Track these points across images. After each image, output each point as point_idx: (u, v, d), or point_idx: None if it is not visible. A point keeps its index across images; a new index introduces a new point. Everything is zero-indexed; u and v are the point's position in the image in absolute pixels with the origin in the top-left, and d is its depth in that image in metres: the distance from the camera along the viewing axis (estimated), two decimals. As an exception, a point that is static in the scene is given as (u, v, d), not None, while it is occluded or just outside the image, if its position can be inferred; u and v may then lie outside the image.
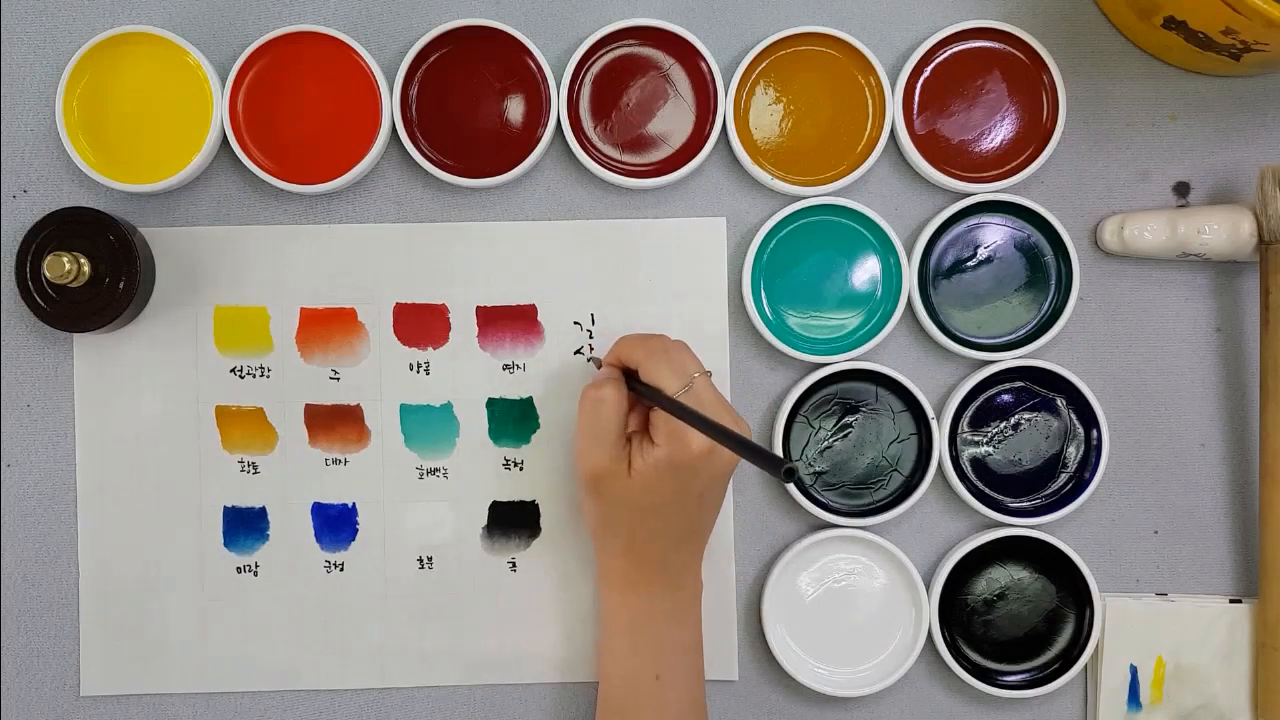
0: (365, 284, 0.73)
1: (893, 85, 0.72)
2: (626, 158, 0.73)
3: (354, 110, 0.71)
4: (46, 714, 0.73)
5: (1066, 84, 0.73)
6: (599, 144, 0.72)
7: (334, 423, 0.73)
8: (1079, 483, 0.73)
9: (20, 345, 0.73)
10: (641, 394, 0.67)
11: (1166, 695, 0.73)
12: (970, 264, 0.73)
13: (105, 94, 0.71)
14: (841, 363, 0.72)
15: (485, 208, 0.74)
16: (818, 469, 0.73)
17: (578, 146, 0.72)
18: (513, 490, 0.73)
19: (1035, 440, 0.73)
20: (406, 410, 0.73)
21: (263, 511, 0.73)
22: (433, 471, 0.73)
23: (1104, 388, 0.74)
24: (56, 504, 0.73)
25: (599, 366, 0.71)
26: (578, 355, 0.73)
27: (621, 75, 0.72)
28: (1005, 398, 0.73)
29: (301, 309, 0.73)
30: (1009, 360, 0.72)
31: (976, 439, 0.73)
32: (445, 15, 0.73)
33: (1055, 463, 0.73)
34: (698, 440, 0.65)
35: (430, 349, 0.73)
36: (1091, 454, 0.73)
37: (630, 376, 0.68)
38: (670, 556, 0.67)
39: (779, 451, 0.72)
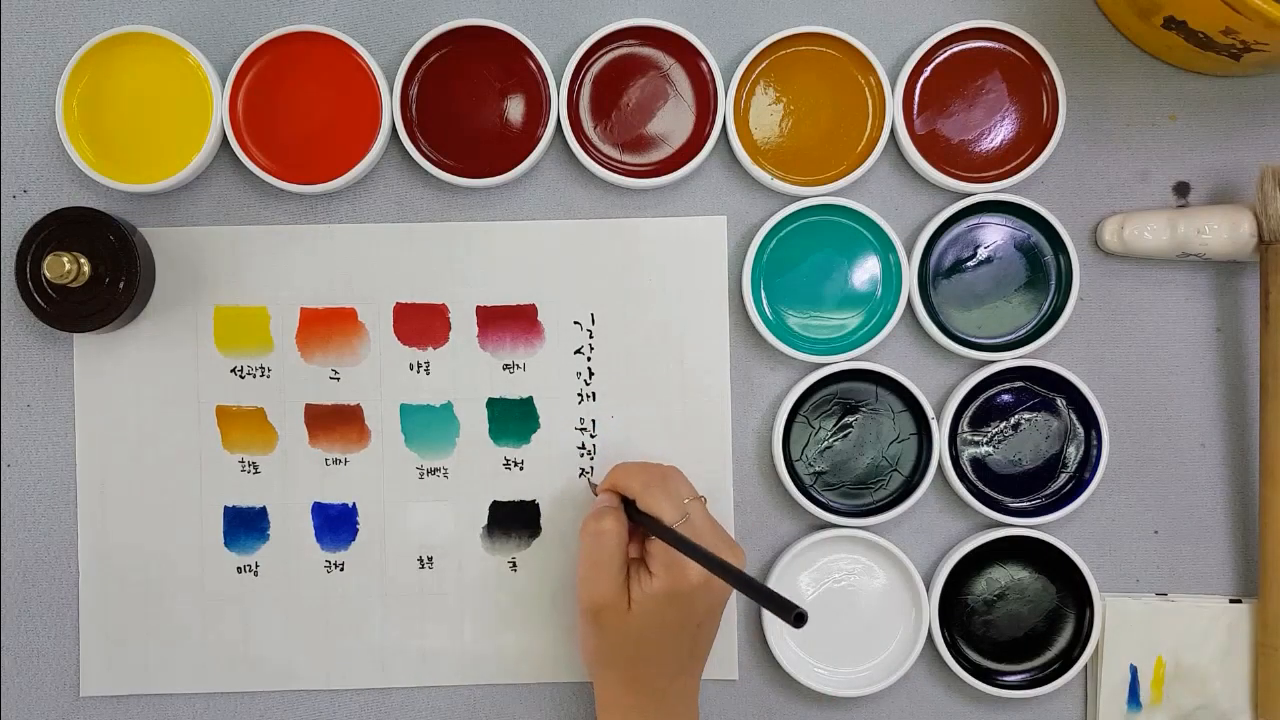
0: (365, 284, 0.73)
1: (893, 85, 0.72)
2: (626, 158, 0.73)
3: (354, 110, 0.71)
4: (46, 714, 0.73)
5: (1066, 84, 0.73)
6: (599, 144, 0.72)
7: (334, 423, 0.73)
8: (1079, 483, 0.73)
9: (20, 345, 0.73)
10: (640, 523, 0.67)
11: (1166, 695, 0.73)
12: (970, 264, 0.73)
13: (105, 94, 0.71)
14: (841, 363, 0.72)
15: (485, 208, 0.74)
16: (818, 469, 0.73)
17: (578, 146, 0.72)
18: (513, 490, 0.73)
19: (1035, 440, 0.73)
20: (406, 410, 0.73)
21: (263, 511, 0.73)
22: (433, 471, 0.73)
23: (1104, 388, 0.74)
24: (56, 504, 0.73)
25: (595, 492, 0.71)
26: (581, 479, 0.73)
27: (621, 75, 0.72)
28: (1005, 398, 0.73)
29: (301, 309, 0.73)
30: (1009, 360, 0.72)
31: (976, 439, 0.73)
32: (445, 15, 0.73)
33: (1055, 463, 0.73)
34: (695, 570, 0.65)
35: (430, 349, 0.73)
36: (1091, 454, 0.73)
37: (628, 504, 0.68)
38: (669, 687, 0.67)
39: (779, 457, 0.72)
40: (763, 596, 0.55)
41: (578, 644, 0.70)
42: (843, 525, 0.72)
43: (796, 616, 0.52)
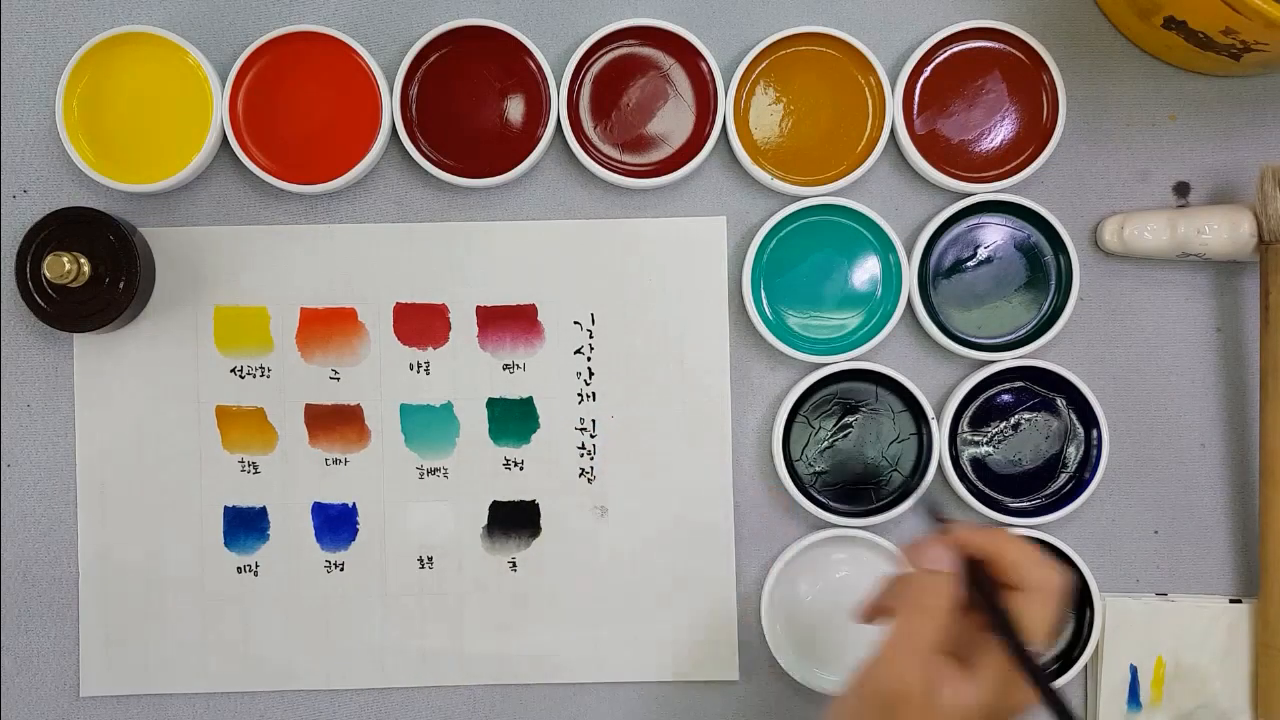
0: (365, 284, 0.73)
1: (893, 85, 0.72)
2: (626, 158, 0.73)
3: (354, 110, 0.71)
4: (46, 714, 0.73)
5: (1066, 84, 0.73)
6: (599, 144, 0.72)
7: (334, 423, 0.73)
8: (1079, 483, 0.73)
9: (20, 345, 0.73)
10: (982, 608, 0.53)
11: (1166, 695, 0.73)
12: (970, 264, 0.73)
13: (105, 94, 0.71)
14: (841, 363, 0.72)
15: (485, 208, 0.74)
16: (818, 469, 0.73)
17: (578, 146, 0.72)
18: (513, 490, 0.73)
19: (1035, 440, 0.73)
20: (406, 410, 0.73)
21: (263, 511, 0.73)
22: (433, 471, 0.73)
23: (1104, 388, 0.74)
24: (56, 504, 0.73)
25: (937, 520, 0.57)
26: (923, 498, 0.62)
27: (621, 75, 0.72)
28: (1005, 398, 0.73)
29: (301, 309, 0.73)
30: (1009, 360, 0.72)
31: (976, 439, 0.73)
32: (445, 15, 0.73)
33: (1055, 463, 0.73)
34: (1028, 697, 0.52)
35: (430, 349, 0.73)
36: (1091, 454, 0.73)
37: (972, 571, 0.54)
38: None
39: (779, 457, 0.72)
40: None
41: (830, 714, 0.55)
42: (843, 525, 0.72)
43: None
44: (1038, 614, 0.52)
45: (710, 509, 0.73)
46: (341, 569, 0.73)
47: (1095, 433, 0.73)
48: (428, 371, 0.73)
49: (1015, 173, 0.72)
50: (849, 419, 0.73)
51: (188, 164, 0.71)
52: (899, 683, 0.51)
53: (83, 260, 0.69)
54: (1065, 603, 0.54)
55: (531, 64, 0.72)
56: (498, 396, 0.73)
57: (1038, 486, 0.73)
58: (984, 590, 0.53)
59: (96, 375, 0.73)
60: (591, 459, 0.73)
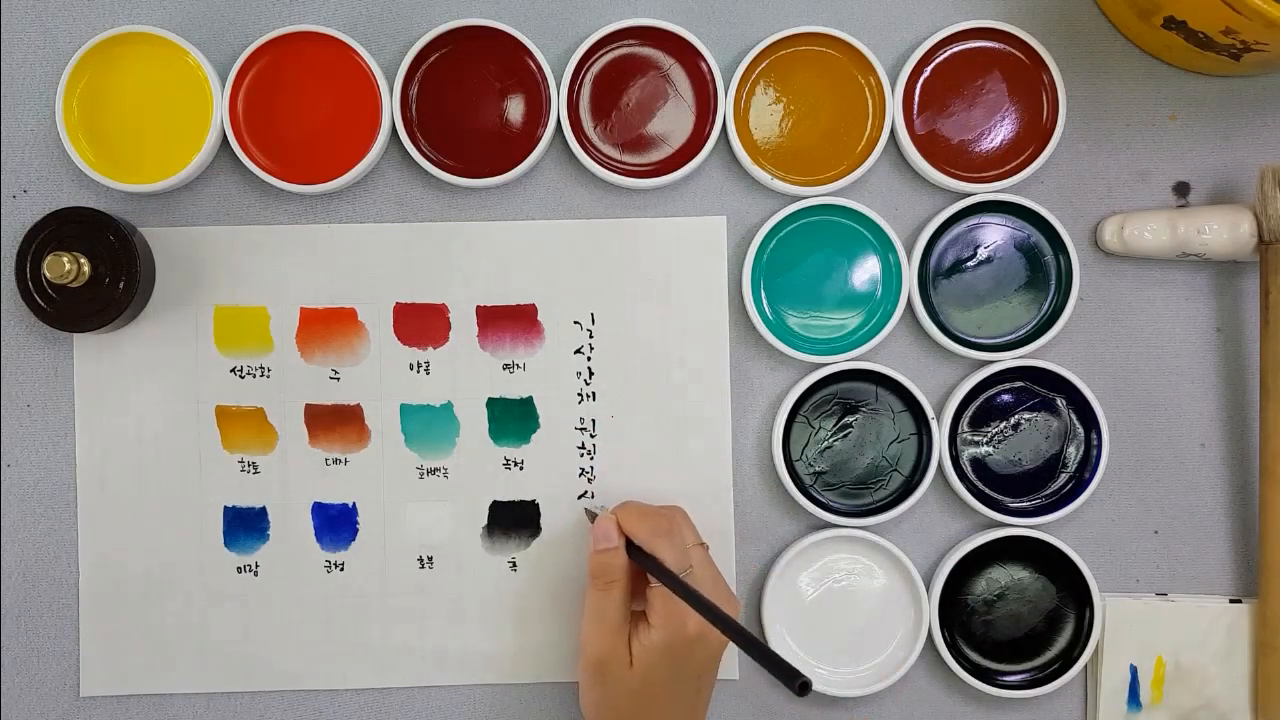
0: (365, 284, 0.73)
1: (893, 85, 0.72)
2: (626, 158, 0.73)
3: (354, 110, 0.71)
4: (46, 714, 0.73)
5: (1066, 84, 0.73)
6: (599, 144, 0.72)
7: (334, 423, 0.73)
8: (1079, 483, 0.73)
9: (20, 345, 0.73)
10: (642, 565, 0.66)
11: (1166, 695, 0.73)
12: (970, 264, 0.73)
13: (105, 94, 0.71)
14: (841, 363, 0.72)
15: (485, 208, 0.74)
16: (818, 469, 0.73)
17: (578, 146, 0.72)
18: (513, 490, 0.73)
19: (1035, 440, 0.73)
20: (406, 410, 0.73)
21: (263, 511, 0.73)
22: (433, 471, 0.73)
23: (1104, 388, 0.74)
24: (56, 504, 0.73)
25: (591, 519, 0.70)
26: (581, 502, 0.72)
27: (621, 75, 0.72)
28: (1005, 398, 0.73)
29: (301, 309, 0.73)
30: (1009, 360, 0.72)
31: (976, 439, 0.73)
32: (445, 15, 0.73)
33: (1055, 463, 0.73)
34: (694, 621, 0.64)
35: (430, 349, 0.73)
36: (1091, 454, 0.73)
37: (630, 544, 0.67)
38: None
39: (779, 457, 0.72)
40: (767, 660, 0.55)
41: (581, 701, 0.68)
42: (843, 525, 0.72)
43: (801, 685, 0.52)
44: (662, 551, 0.65)
45: (710, 509, 0.73)
46: (341, 569, 0.73)
47: (1095, 433, 0.73)
48: (428, 371, 0.73)
49: (1015, 173, 0.72)
50: (849, 419, 0.73)
51: (188, 164, 0.71)
52: (601, 650, 0.65)
53: (83, 260, 0.69)
54: (658, 518, 0.67)
55: (531, 64, 0.72)
56: (498, 396, 0.73)
57: (1038, 486, 0.73)
58: (632, 550, 0.66)
59: (96, 375, 0.73)
60: (591, 459, 0.73)
